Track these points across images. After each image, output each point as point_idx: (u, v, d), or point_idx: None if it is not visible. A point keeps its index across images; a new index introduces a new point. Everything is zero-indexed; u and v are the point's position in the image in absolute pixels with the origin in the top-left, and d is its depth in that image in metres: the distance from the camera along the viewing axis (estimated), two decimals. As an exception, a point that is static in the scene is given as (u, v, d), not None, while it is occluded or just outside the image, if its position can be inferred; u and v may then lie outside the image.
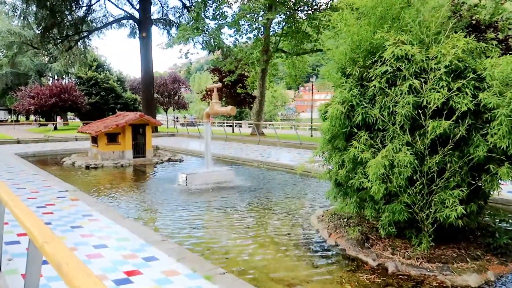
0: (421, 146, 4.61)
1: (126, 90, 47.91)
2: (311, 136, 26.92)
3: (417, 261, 4.80)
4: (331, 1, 19.88)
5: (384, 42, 5.05)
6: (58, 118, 41.85)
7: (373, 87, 4.99)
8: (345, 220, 6.35)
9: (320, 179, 6.12)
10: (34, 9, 25.65)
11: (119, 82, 46.51)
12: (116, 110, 44.01)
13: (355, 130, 5.18)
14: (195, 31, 18.00)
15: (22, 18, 27.14)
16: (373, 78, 5.05)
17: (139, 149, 14.90)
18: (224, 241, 5.87)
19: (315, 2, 21.05)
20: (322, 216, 6.79)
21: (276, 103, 62.69)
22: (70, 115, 49.90)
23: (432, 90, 4.58)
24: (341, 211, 5.78)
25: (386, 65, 4.87)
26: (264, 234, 6.21)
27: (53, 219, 6.05)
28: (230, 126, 41.81)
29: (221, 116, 53.82)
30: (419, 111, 4.66)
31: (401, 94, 4.71)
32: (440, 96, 4.45)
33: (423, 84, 4.68)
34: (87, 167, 13.34)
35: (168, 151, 18.31)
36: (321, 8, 20.35)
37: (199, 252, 5.28)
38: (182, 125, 32.93)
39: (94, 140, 14.79)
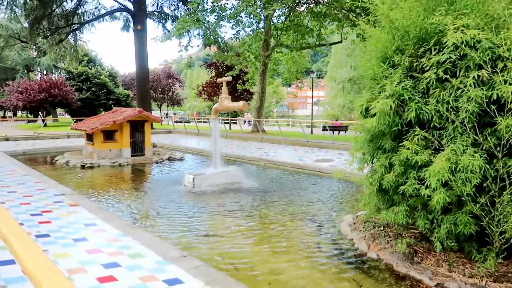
0: (491, 148, 3.94)
1: (118, 85, 46.76)
2: (311, 133, 26.32)
3: (482, 280, 4.15)
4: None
5: (439, 27, 4.36)
6: (40, 114, 40.46)
7: (427, 79, 4.31)
8: (381, 228, 5.68)
9: (360, 184, 5.38)
10: (22, 0, 24.52)
11: (110, 78, 45.36)
12: (112, 106, 42.92)
13: (405, 129, 4.51)
14: (196, 22, 17.16)
15: (9, 10, 25.96)
16: (426, 68, 4.37)
17: (137, 147, 14.07)
18: (248, 255, 5.15)
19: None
20: (354, 223, 6.11)
21: (272, 100, 62.00)
22: (59, 111, 48.51)
23: (505, 83, 3.91)
24: (385, 220, 5.09)
25: (444, 53, 4.19)
26: (291, 246, 5.51)
27: (52, 230, 5.26)
28: (227, 122, 41.03)
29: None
30: (486, 107, 3.98)
31: (464, 86, 4.03)
32: (517, 88, 3.77)
33: (493, 75, 4.00)
34: (83, 167, 12.48)
35: (166, 149, 17.49)
36: (325, 1, 19.65)
37: (224, 270, 4.56)
38: (176, 121, 32.03)
39: (89, 137, 13.91)
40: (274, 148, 15.88)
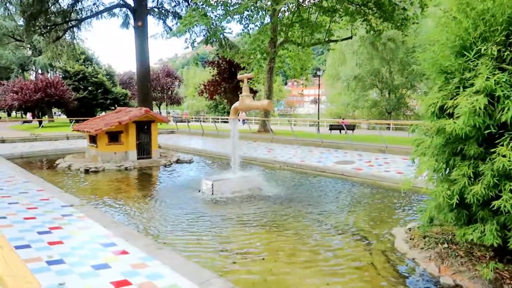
0: None
1: (115, 84, 45.74)
2: (318, 132, 25.54)
3: None
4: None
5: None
6: (29, 114, 39.19)
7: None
8: (445, 245, 4.91)
9: (431, 195, 4.56)
10: (18, -4, 23.53)
11: (108, 76, 44.35)
12: (110, 106, 41.95)
13: (496, 132, 3.74)
14: (204, 17, 16.30)
15: (3, 7, 24.95)
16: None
17: (144, 149, 13.23)
18: (295, 282, 4.36)
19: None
20: (411, 239, 5.33)
21: (273, 98, 61.09)
22: (54, 111, 47.39)
23: None
24: (463, 239, 4.31)
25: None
26: (341, 266, 4.73)
27: (66, 254, 4.44)
28: (215, 121, 39.97)
29: (217, 111, 52.12)
30: None
31: None
32: None
33: None
34: (87, 171, 11.62)
35: (172, 150, 16.66)
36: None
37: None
38: (178, 121, 31.17)
39: (93, 139, 13.06)
40: (287, 149, 15.08)
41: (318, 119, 25.71)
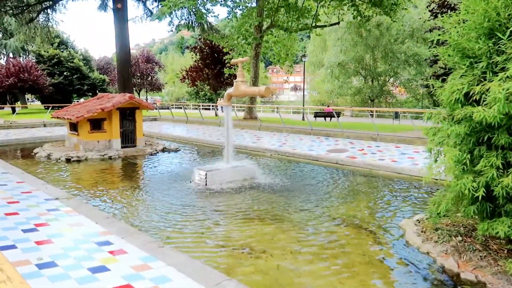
0: None
1: (93, 70, 44.13)
2: (303, 119, 25.34)
3: None
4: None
5: None
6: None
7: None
8: (459, 238, 4.72)
9: (449, 186, 4.32)
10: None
11: (84, 62, 42.71)
12: (94, 92, 40.43)
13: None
14: (190, -1, 15.60)
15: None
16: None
17: (128, 138, 12.65)
18: (307, 278, 4.08)
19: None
20: (423, 231, 5.13)
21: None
22: (28, 97, 45.43)
23: None
24: (486, 233, 4.11)
25: None
26: (352, 262, 4.48)
27: (57, 255, 4.01)
28: (196, 108, 39.22)
29: (198, 98, 51.16)
30: None
31: None
32: None
33: None
34: (68, 160, 11.00)
35: (156, 138, 16.10)
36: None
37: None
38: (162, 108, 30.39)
39: (74, 127, 12.38)
40: (276, 137, 14.77)
41: (303, 106, 25.42)
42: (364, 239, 5.27)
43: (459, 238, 4.75)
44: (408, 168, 9.10)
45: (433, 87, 4.74)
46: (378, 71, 34.52)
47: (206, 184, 7.94)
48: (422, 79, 27.77)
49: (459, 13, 4.18)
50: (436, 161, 4.73)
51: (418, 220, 5.60)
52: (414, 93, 36.07)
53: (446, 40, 4.39)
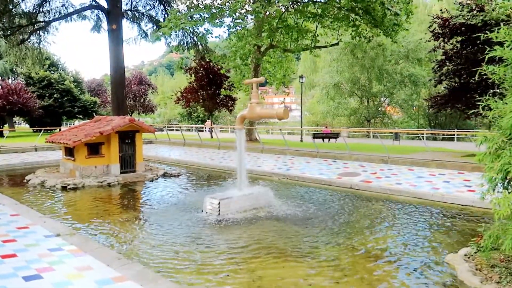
0: None
1: (84, 92, 43.42)
2: (301, 141, 24.92)
3: None
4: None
5: None
6: None
7: None
8: (522, 277, 4.18)
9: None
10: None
11: (75, 83, 42.01)
12: (85, 115, 39.46)
13: None
14: (190, 20, 15.25)
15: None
16: None
17: (127, 162, 11.98)
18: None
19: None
20: (477, 269, 4.57)
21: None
22: (15, 120, 44.31)
23: None
24: None
25: None
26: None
27: (68, 312, 3.34)
28: (189, 130, 38.63)
29: (190, 120, 50.59)
30: None
31: None
32: None
33: None
34: (64, 188, 10.26)
35: (154, 162, 15.43)
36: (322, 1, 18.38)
37: None
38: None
39: (70, 151, 11.69)
40: (281, 159, 14.22)
41: (301, 127, 25.02)
42: (408, 278, 4.70)
43: (522, 277, 4.21)
44: (429, 193, 8.62)
45: (483, 108, 4.32)
46: (373, 91, 34.55)
47: (219, 213, 7.31)
48: (425, 99, 27.72)
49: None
50: (494, 190, 4.25)
51: (466, 255, 5.05)
52: (409, 114, 36.15)
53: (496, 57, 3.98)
